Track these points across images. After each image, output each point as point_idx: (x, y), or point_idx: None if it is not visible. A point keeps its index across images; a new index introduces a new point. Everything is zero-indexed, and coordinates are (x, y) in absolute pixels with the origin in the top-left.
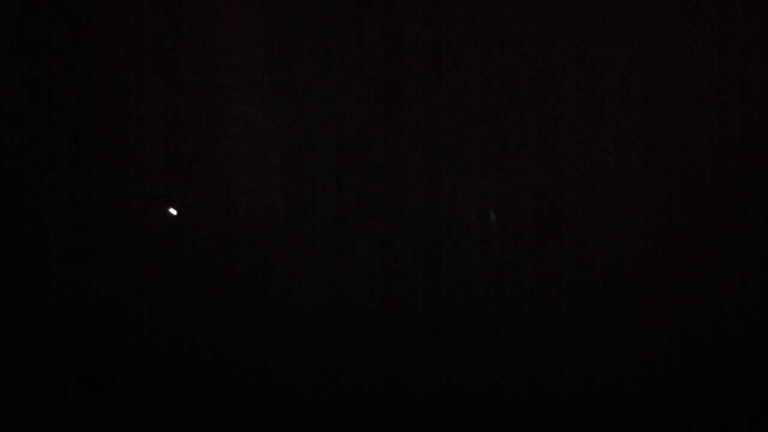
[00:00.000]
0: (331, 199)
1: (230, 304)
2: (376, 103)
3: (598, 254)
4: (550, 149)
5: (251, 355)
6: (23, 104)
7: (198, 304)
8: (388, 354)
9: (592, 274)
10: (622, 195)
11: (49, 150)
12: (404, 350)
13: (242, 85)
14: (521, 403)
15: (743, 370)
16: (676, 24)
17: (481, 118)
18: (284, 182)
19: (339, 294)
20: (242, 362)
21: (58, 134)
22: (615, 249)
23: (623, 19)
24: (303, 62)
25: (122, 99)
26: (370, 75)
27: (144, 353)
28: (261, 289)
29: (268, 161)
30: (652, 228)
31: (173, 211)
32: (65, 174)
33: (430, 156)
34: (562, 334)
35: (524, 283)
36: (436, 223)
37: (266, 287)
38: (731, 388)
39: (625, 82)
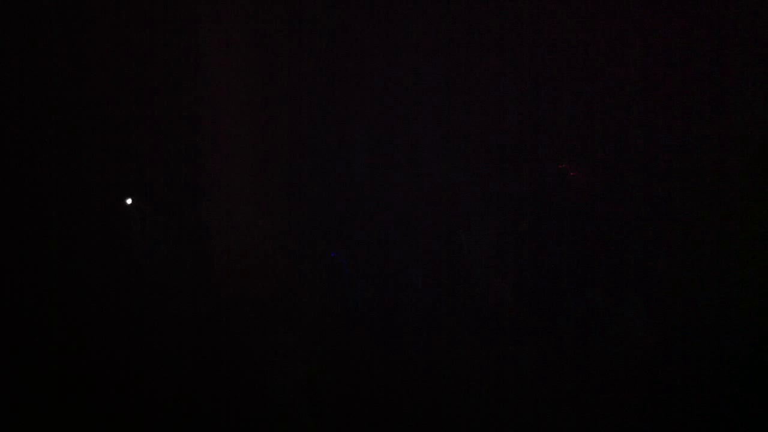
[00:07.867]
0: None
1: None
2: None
3: (598, 254)
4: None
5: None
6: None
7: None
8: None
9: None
10: (621, 194)
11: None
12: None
13: None
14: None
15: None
16: (676, 24)
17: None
18: None
19: None
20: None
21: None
22: (614, 249)
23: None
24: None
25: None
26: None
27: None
28: None
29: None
30: (652, 227)
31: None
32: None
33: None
34: (562, 337)
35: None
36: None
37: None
38: (731, 388)
39: (625, 82)
